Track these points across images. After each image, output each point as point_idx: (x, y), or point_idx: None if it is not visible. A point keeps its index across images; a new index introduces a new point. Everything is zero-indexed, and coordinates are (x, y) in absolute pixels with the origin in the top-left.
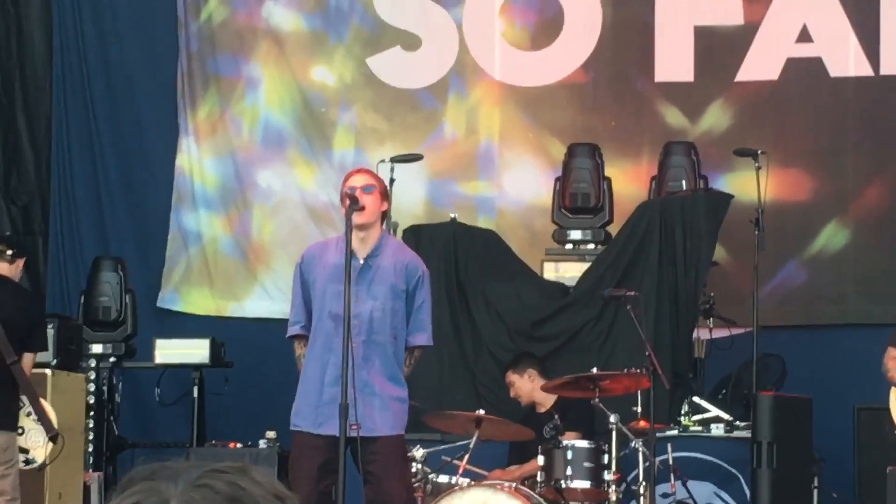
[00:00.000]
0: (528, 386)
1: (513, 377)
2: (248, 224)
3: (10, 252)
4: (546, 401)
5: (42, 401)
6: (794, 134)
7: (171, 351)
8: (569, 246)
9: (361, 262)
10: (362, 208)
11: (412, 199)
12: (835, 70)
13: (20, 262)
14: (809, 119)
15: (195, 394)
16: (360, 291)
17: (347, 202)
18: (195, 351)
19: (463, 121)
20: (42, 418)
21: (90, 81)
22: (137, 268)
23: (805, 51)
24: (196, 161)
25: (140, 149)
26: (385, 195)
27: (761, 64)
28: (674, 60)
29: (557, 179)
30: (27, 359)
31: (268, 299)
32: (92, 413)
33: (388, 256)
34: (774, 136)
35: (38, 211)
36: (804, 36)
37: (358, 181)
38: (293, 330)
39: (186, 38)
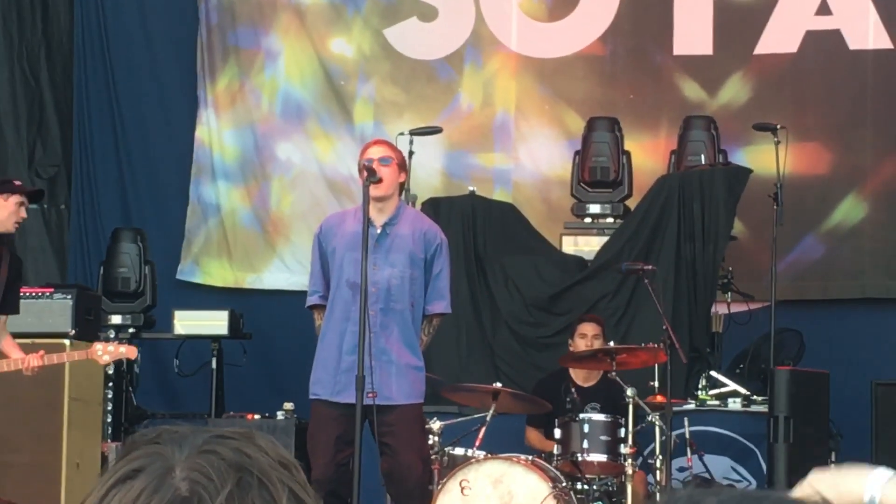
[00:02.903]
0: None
1: (599, 331)
2: (267, 196)
3: None
4: (590, 377)
5: None
6: (812, 107)
7: (190, 322)
8: (587, 220)
9: (379, 229)
10: (380, 180)
11: (429, 170)
12: (854, 43)
13: None
14: (828, 92)
15: (214, 365)
16: (378, 259)
17: (365, 174)
18: (214, 322)
19: (479, 92)
20: None
21: (110, 53)
22: (157, 239)
23: (824, 23)
24: (215, 133)
25: (159, 121)
26: (403, 167)
27: (780, 37)
28: (693, 33)
29: (577, 153)
30: None
31: (286, 271)
32: (110, 384)
33: (406, 225)
34: (793, 110)
35: (64, 183)
36: (823, 9)
37: (375, 153)
38: (312, 300)
39: (206, 10)
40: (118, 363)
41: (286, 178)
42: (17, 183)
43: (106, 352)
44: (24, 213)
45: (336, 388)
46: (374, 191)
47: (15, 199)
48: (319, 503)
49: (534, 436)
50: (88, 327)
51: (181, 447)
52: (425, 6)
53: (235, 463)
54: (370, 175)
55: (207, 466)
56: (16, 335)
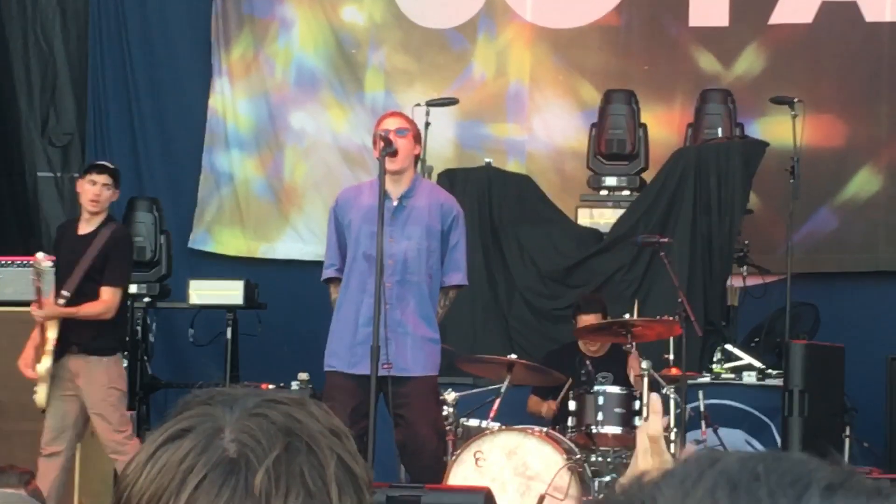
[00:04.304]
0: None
1: (601, 320)
2: (280, 166)
3: None
4: (600, 347)
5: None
6: (827, 79)
7: (206, 292)
8: (603, 192)
9: (396, 202)
10: (395, 151)
11: (441, 140)
12: (870, 15)
13: None
14: (843, 64)
15: (228, 335)
16: (395, 232)
17: (381, 144)
18: (229, 292)
19: (492, 62)
20: None
21: (125, 21)
22: (170, 208)
23: None
24: (229, 102)
25: (173, 89)
26: (418, 139)
27: (796, 7)
28: (708, 4)
29: (593, 125)
30: None
31: (300, 241)
32: (125, 352)
33: (422, 197)
34: (808, 81)
35: (77, 152)
36: None
37: (391, 124)
38: (328, 273)
39: None
40: (132, 333)
41: (300, 148)
42: (97, 164)
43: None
44: (97, 190)
45: (352, 359)
46: (390, 165)
47: (85, 179)
48: (370, 473)
49: (532, 400)
50: None
51: (232, 409)
52: None
53: (285, 427)
54: (386, 145)
55: (256, 429)
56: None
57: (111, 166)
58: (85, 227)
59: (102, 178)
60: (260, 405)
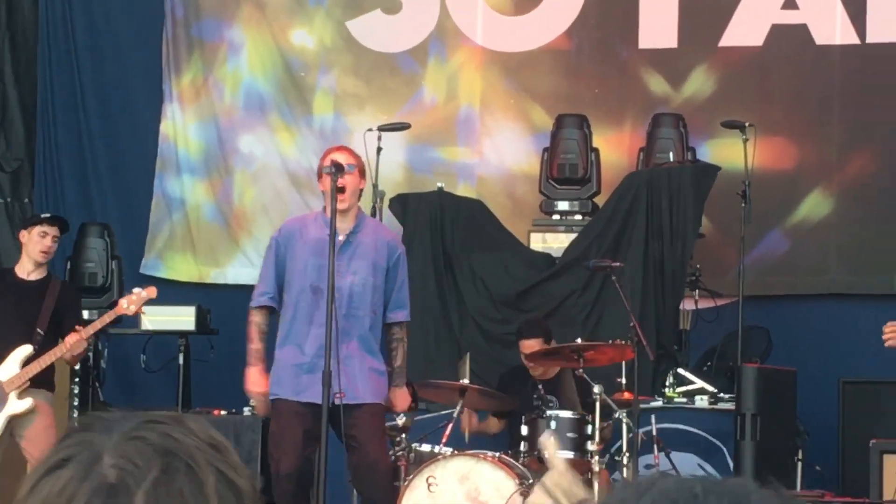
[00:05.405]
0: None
1: (541, 345)
2: (230, 190)
3: None
4: (547, 371)
5: None
6: (778, 102)
7: (157, 318)
8: (556, 216)
9: (342, 237)
10: (343, 189)
11: (391, 164)
12: (820, 38)
13: None
14: (794, 87)
15: (180, 360)
16: (341, 266)
17: (332, 174)
18: (181, 318)
19: (443, 86)
20: None
21: (76, 48)
22: (122, 234)
23: (790, 17)
24: (180, 127)
25: (124, 115)
26: (363, 173)
27: (746, 30)
28: (658, 26)
29: (545, 150)
30: None
31: (249, 266)
32: (77, 379)
33: (368, 233)
34: (758, 104)
35: (27, 177)
36: (790, 2)
37: (339, 159)
38: (261, 301)
39: (171, 4)
40: (84, 359)
41: (248, 172)
42: (43, 216)
43: (131, 302)
44: (48, 242)
45: (298, 388)
46: (340, 205)
47: (36, 230)
48: (255, 481)
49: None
50: None
51: (110, 434)
52: None
53: (162, 448)
54: (338, 170)
55: (134, 453)
56: None
57: (63, 218)
58: (33, 275)
59: (54, 231)
60: (137, 427)
